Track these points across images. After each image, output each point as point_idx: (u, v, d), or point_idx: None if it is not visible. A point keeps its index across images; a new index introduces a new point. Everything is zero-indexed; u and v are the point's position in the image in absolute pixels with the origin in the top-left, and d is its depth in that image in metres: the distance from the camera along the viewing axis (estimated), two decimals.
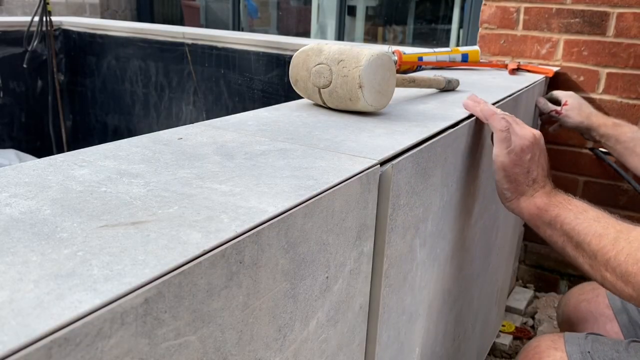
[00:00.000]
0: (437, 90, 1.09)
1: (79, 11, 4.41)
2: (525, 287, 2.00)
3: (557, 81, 1.77)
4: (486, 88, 1.19)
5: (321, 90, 0.81)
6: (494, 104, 1.01)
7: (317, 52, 0.82)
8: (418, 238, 0.73)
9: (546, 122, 1.56)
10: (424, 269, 0.78)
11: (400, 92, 1.05)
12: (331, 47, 0.82)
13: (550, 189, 0.81)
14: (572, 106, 1.43)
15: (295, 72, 0.85)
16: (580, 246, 0.72)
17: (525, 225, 1.67)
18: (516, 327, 1.72)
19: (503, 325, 1.71)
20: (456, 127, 0.80)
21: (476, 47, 1.49)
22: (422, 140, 0.70)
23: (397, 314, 0.71)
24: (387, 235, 0.63)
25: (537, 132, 0.82)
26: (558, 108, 1.45)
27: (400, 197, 0.64)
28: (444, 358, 1.01)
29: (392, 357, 0.73)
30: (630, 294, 0.67)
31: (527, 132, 0.81)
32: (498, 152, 0.80)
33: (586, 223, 0.72)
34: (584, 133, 1.43)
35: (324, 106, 0.85)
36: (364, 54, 0.78)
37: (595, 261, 0.70)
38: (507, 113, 0.85)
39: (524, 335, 1.70)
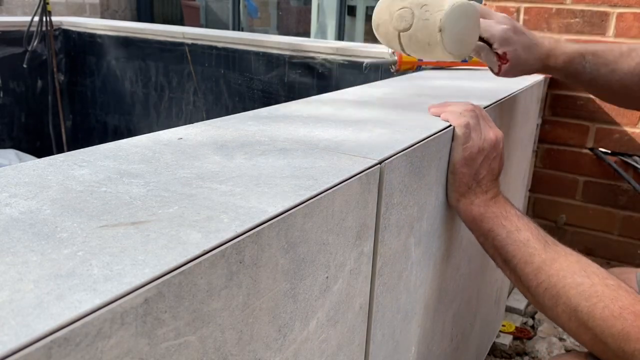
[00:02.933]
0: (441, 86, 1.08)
1: (79, 11, 4.41)
2: None
3: (557, 81, 1.77)
4: (486, 88, 1.19)
5: (401, 34, 0.80)
6: (493, 103, 1.01)
7: None
8: (413, 237, 0.73)
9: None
10: (420, 268, 0.78)
11: (402, 91, 1.05)
12: None
13: (492, 195, 0.79)
14: (515, 59, 0.92)
15: (378, 16, 0.84)
16: (507, 265, 0.76)
17: None
18: (516, 327, 1.72)
19: (503, 325, 1.71)
20: (452, 126, 0.80)
21: None
22: (422, 139, 0.70)
23: (391, 313, 0.71)
24: (380, 234, 0.63)
25: (499, 134, 0.80)
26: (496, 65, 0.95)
27: (394, 196, 0.64)
28: (442, 357, 1.01)
29: (387, 356, 0.73)
30: (547, 315, 0.73)
31: (488, 133, 0.79)
32: (454, 147, 0.79)
33: (515, 245, 0.74)
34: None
35: (402, 53, 0.85)
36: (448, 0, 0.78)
37: (519, 282, 0.75)
38: (476, 106, 0.82)
39: (523, 335, 1.70)
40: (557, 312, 0.70)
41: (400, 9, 0.80)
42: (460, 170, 0.78)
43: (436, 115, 0.83)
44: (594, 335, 0.66)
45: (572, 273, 0.69)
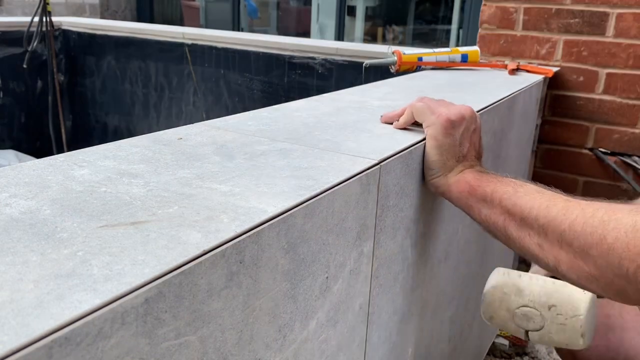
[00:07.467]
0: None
1: (78, 11, 4.41)
2: None
3: (556, 81, 1.77)
4: (485, 88, 1.19)
5: (529, 332, 0.78)
6: (492, 103, 1.01)
7: (515, 291, 0.78)
8: (409, 239, 0.73)
9: None
10: (416, 269, 0.78)
11: (402, 91, 1.05)
12: (532, 285, 0.77)
13: (480, 168, 0.70)
14: None
15: (491, 310, 0.80)
16: (526, 222, 0.61)
17: None
18: None
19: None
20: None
21: (476, 48, 1.49)
22: (417, 141, 0.70)
23: (387, 314, 0.71)
24: (376, 236, 0.63)
25: (470, 109, 0.72)
26: None
27: (390, 198, 0.64)
28: (439, 358, 1.01)
29: (383, 357, 0.73)
30: (590, 272, 0.56)
31: (456, 107, 0.72)
32: (427, 122, 0.71)
33: (529, 196, 0.61)
34: None
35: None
36: (579, 300, 0.74)
37: (546, 238, 0.59)
38: (429, 98, 0.75)
39: (517, 342, 1.68)
40: (609, 243, 0.52)
41: (522, 306, 0.77)
42: (444, 141, 0.69)
43: (388, 123, 0.77)
44: None
45: (607, 202, 0.56)
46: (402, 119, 0.75)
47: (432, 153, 0.71)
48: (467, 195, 0.67)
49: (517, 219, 0.62)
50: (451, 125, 0.69)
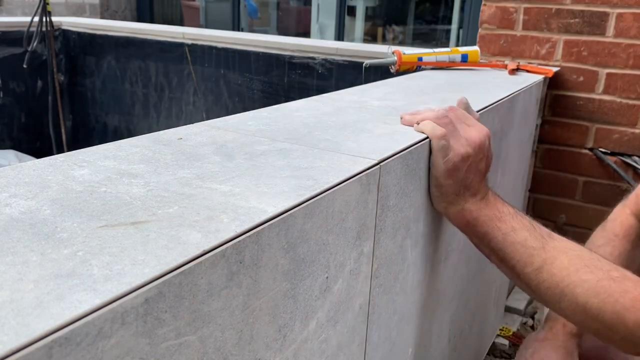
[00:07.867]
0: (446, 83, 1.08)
1: (78, 11, 4.42)
2: None
3: (556, 81, 1.77)
4: (485, 88, 1.19)
5: None
6: (492, 104, 1.01)
7: None
8: (409, 239, 0.73)
9: None
10: (416, 269, 0.78)
11: (402, 91, 1.05)
12: None
13: (482, 195, 0.74)
14: None
15: None
16: (505, 264, 0.74)
17: None
18: (513, 333, 1.71)
19: (501, 329, 1.70)
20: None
21: (476, 48, 1.49)
22: (418, 141, 0.70)
23: (387, 314, 0.71)
24: (376, 236, 0.63)
25: (483, 132, 0.73)
26: None
27: (390, 198, 0.64)
28: (439, 358, 1.01)
29: (383, 357, 0.73)
30: (550, 308, 0.74)
31: (471, 135, 0.72)
32: (434, 161, 0.72)
33: (512, 247, 0.72)
34: None
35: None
36: None
37: (518, 280, 0.74)
38: (451, 108, 0.75)
39: (517, 342, 1.68)
40: (561, 306, 0.70)
41: None
42: (444, 182, 0.73)
43: (408, 126, 0.76)
44: (603, 325, 0.67)
45: (575, 270, 0.68)
46: (408, 121, 0.78)
47: (432, 186, 0.76)
48: (464, 229, 0.77)
49: (499, 259, 0.75)
50: (455, 170, 0.72)
